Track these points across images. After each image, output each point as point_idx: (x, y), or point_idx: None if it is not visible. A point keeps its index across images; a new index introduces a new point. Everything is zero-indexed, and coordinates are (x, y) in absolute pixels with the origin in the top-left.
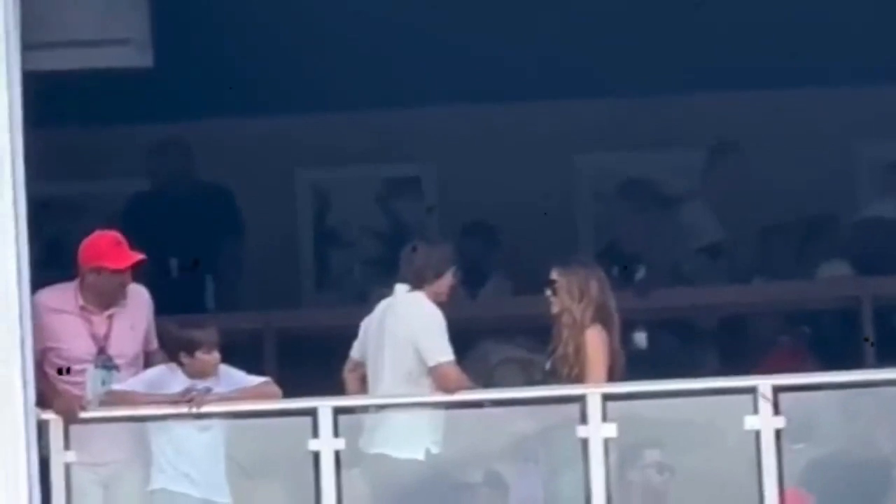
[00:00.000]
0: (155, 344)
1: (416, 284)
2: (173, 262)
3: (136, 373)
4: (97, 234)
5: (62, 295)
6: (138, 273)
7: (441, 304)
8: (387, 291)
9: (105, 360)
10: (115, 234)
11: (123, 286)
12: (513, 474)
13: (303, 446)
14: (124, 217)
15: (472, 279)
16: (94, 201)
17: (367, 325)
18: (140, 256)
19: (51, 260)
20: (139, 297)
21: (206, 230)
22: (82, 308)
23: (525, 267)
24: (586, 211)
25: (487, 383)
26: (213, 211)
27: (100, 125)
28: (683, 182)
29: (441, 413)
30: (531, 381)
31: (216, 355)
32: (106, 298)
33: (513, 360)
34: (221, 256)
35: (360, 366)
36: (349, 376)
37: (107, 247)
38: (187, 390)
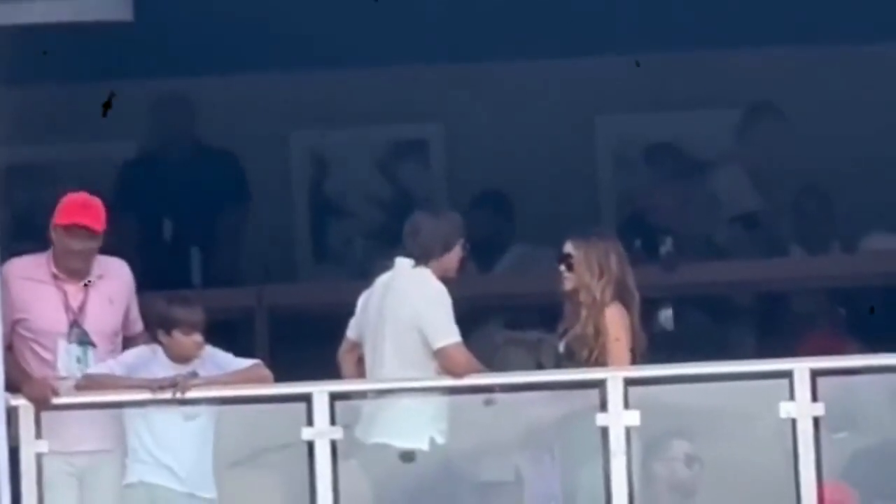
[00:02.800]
0: (139, 327)
1: (422, 259)
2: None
3: (114, 352)
4: (73, 193)
5: (34, 263)
6: (126, 244)
7: (448, 281)
8: (389, 265)
9: (80, 335)
10: (84, 197)
11: (77, 253)
12: (526, 466)
13: (296, 435)
14: (117, 182)
15: (484, 253)
16: (70, 166)
17: (365, 301)
18: (89, 223)
19: (23, 230)
20: (119, 271)
21: (206, 197)
22: (55, 276)
23: (539, 240)
24: (608, 178)
25: (491, 365)
26: (215, 176)
27: (76, 84)
28: (714, 146)
29: (447, 399)
30: (540, 365)
31: (197, 338)
32: (69, 264)
33: (520, 341)
34: (221, 227)
35: (358, 347)
36: (345, 357)
37: (66, 205)
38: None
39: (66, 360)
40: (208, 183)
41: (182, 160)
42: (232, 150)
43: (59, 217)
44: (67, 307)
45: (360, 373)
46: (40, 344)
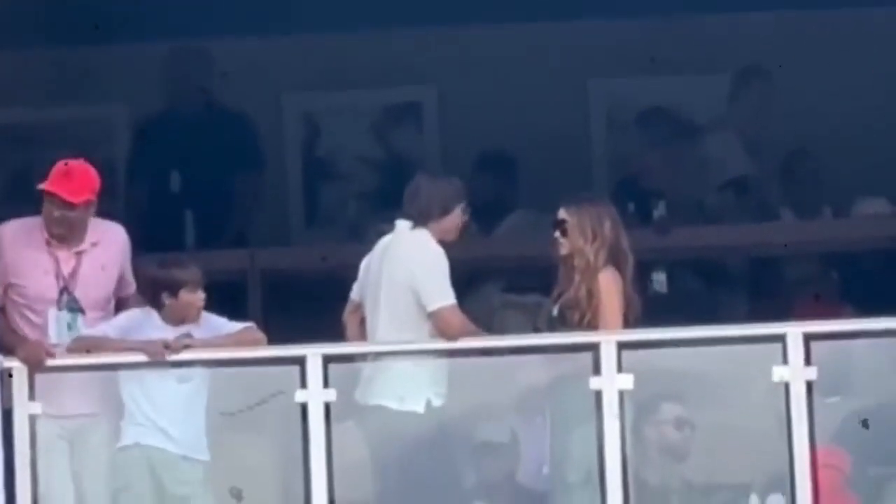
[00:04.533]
0: (132, 288)
1: (421, 221)
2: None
3: (106, 318)
4: (64, 161)
5: (27, 228)
6: (119, 208)
7: (447, 244)
8: (386, 228)
9: (70, 302)
10: (71, 166)
11: (58, 220)
12: (520, 429)
13: (289, 397)
14: (116, 143)
15: (484, 216)
16: (62, 128)
17: (367, 264)
18: (65, 195)
19: (16, 193)
20: (114, 236)
21: (218, 160)
22: (48, 242)
23: (530, 203)
24: (600, 142)
25: (488, 329)
26: (228, 139)
27: (67, 46)
28: (706, 110)
29: (444, 362)
30: (535, 328)
31: (201, 294)
32: (51, 229)
33: (516, 304)
34: (210, 193)
35: (361, 308)
36: (349, 319)
37: (53, 171)
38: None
39: (56, 328)
40: (218, 145)
41: (191, 120)
42: (246, 113)
43: (43, 182)
44: (58, 274)
45: (364, 334)
46: (31, 310)
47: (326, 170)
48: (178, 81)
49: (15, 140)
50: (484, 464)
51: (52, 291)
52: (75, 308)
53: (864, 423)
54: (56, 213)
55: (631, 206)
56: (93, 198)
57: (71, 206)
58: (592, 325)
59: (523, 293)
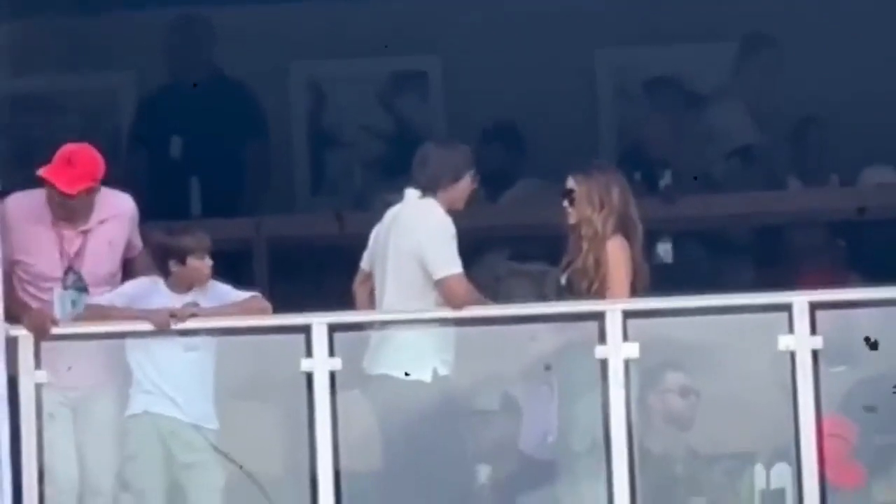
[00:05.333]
0: (137, 250)
1: (429, 189)
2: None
3: (113, 289)
4: (66, 146)
5: (33, 203)
6: (122, 176)
7: (456, 212)
8: (392, 197)
9: (74, 281)
10: (71, 153)
11: (58, 205)
12: (525, 397)
13: (295, 366)
14: (136, 111)
15: (491, 185)
16: (70, 96)
17: (377, 233)
18: (60, 185)
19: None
20: (121, 209)
21: (224, 128)
22: (53, 221)
23: (537, 172)
24: (607, 111)
25: (495, 297)
26: (231, 108)
27: (74, 14)
28: (713, 79)
29: (451, 331)
30: (542, 297)
31: (209, 261)
32: (52, 211)
33: (522, 272)
34: (216, 161)
35: (371, 278)
36: (359, 289)
37: (57, 161)
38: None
39: (60, 306)
40: (220, 112)
41: (185, 90)
42: (239, 82)
43: (55, 180)
44: (63, 252)
45: (373, 304)
46: (37, 287)
47: (332, 138)
48: (182, 49)
49: (22, 109)
50: (478, 432)
51: (57, 270)
52: (80, 287)
53: (870, 409)
54: (57, 199)
55: (637, 176)
56: (93, 184)
57: (69, 195)
58: (600, 294)
59: (528, 261)
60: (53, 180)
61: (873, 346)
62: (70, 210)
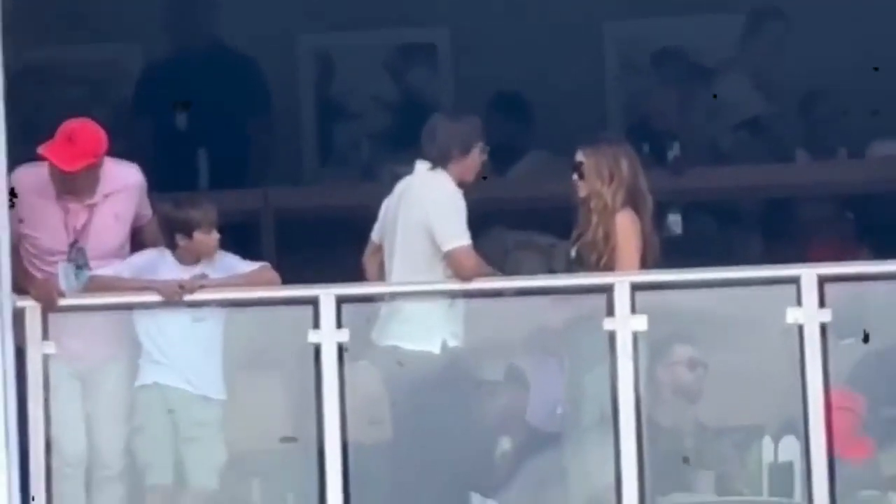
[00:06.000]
0: (147, 217)
1: (439, 161)
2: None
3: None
4: (67, 122)
5: (40, 176)
6: (129, 147)
7: (466, 185)
8: (401, 169)
9: (78, 257)
10: (71, 129)
11: (73, 188)
12: (533, 369)
13: (303, 338)
14: (127, 85)
15: (498, 158)
16: (78, 68)
17: (387, 205)
18: (57, 162)
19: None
20: (127, 181)
21: (219, 104)
22: (59, 195)
23: (543, 144)
24: (615, 83)
25: (504, 270)
26: (238, 79)
27: None
28: (721, 51)
29: (460, 303)
30: (551, 269)
31: (216, 235)
32: (63, 190)
33: (531, 245)
34: (223, 133)
35: (381, 250)
36: (369, 261)
37: (58, 138)
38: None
39: (64, 279)
40: (219, 85)
41: (193, 61)
42: (246, 54)
43: (57, 159)
44: (68, 226)
45: (384, 275)
46: (42, 261)
47: (340, 109)
48: (188, 20)
49: (29, 80)
50: (486, 404)
51: (63, 244)
52: (82, 264)
53: (866, 337)
54: (59, 176)
55: (645, 148)
56: (95, 161)
57: (70, 173)
58: (609, 267)
59: (536, 234)
60: (54, 158)
61: (866, 339)
62: (73, 186)
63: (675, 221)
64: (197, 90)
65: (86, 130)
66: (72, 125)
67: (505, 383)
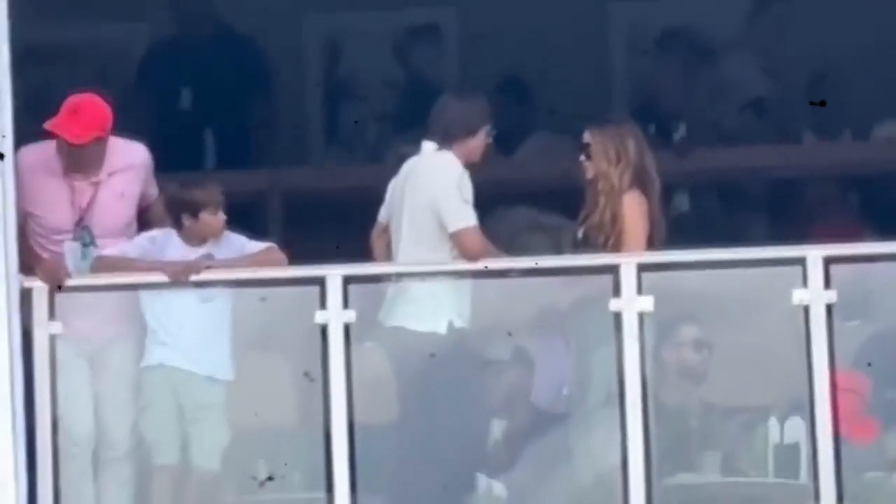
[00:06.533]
0: (154, 196)
1: (445, 142)
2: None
3: (127, 239)
4: (74, 97)
5: (45, 155)
6: (136, 127)
7: (472, 166)
8: (407, 150)
9: (84, 235)
10: (76, 103)
11: (81, 161)
12: (539, 350)
13: (310, 318)
14: (133, 65)
15: (504, 139)
16: (84, 47)
17: (394, 186)
18: (67, 136)
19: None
20: (133, 159)
21: (226, 84)
22: (65, 172)
23: (548, 125)
24: (621, 64)
25: (511, 250)
26: (236, 63)
27: None
28: (726, 31)
29: (466, 283)
30: (560, 250)
31: (222, 216)
32: (63, 162)
33: (540, 226)
34: (230, 114)
35: (388, 230)
36: (377, 242)
37: (63, 112)
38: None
39: (71, 258)
40: (226, 66)
41: (201, 41)
42: (253, 35)
43: (64, 132)
44: (75, 204)
45: (391, 256)
46: (49, 240)
47: (347, 90)
48: (195, 0)
49: (35, 59)
50: (490, 382)
51: (69, 223)
52: (87, 242)
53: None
54: (66, 150)
55: (651, 129)
56: (102, 134)
57: (78, 146)
58: (616, 248)
59: (545, 215)
60: (61, 132)
61: None
62: (80, 160)
63: (682, 199)
64: (204, 70)
65: (91, 103)
66: (77, 99)
67: (511, 363)
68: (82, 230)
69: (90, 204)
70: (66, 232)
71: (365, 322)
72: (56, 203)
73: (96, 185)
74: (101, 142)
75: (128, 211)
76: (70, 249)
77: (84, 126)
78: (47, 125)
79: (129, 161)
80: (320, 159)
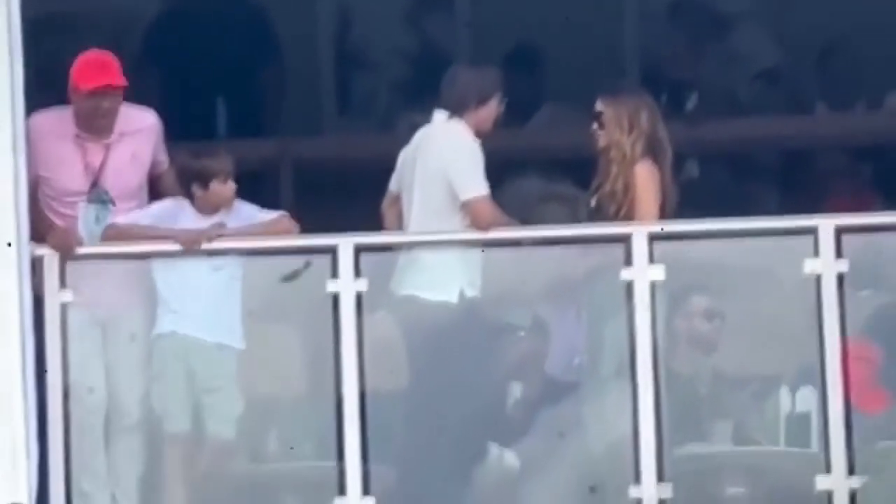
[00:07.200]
0: (165, 165)
1: (457, 111)
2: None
3: (139, 205)
4: (86, 52)
5: (57, 119)
6: (147, 96)
7: (483, 135)
8: (420, 119)
9: (99, 195)
10: (100, 54)
11: (100, 113)
12: (552, 319)
13: (321, 287)
14: (144, 34)
15: (516, 108)
16: (94, 18)
17: (405, 155)
18: (108, 81)
19: (47, 82)
20: (143, 122)
21: (235, 52)
22: (76, 135)
23: (560, 95)
24: (633, 34)
25: (527, 221)
26: (247, 31)
27: None
28: (738, 1)
29: (477, 252)
30: (575, 220)
31: (232, 185)
32: (90, 124)
33: (556, 196)
34: (242, 82)
35: (399, 199)
36: (388, 211)
37: (84, 66)
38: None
39: (84, 220)
40: (238, 34)
41: (212, 9)
42: (264, 3)
43: (84, 81)
44: (87, 166)
45: (402, 225)
46: (62, 203)
47: (359, 59)
48: None
49: (45, 29)
50: (504, 353)
51: (81, 184)
52: (105, 200)
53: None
54: (107, 104)
55: (663, 99)
56: (123, 84)
57: (120, 88)
58: (629, 218)
59: (560, 185)
60: (105, 81)
61: None
62: (99, 113)
63: (692, 166)
64: (215, 39)
65: (105, 56)
66: (89, 54)
67: (524, 330)
68: (98, 191)
69: (102, 166)
70: (79, 194)
71: (376, 291)
72: (69, 165)
73: (107, 147)
74: (119, 93)
75: (139, 173)
76: (84, 211)
77: (118, 71)
78: (90, 85)
79: (139, 125)
80: (332, 128)
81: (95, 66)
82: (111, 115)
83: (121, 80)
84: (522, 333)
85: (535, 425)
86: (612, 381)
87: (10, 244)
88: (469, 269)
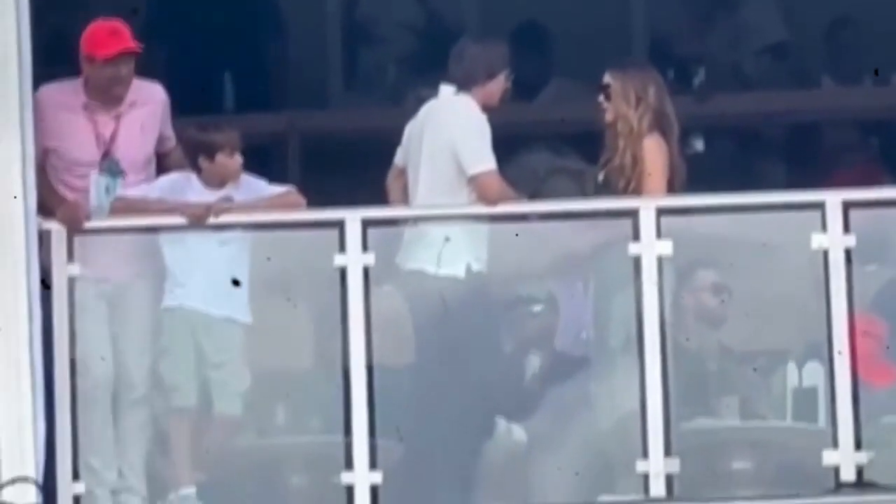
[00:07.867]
0: (171, 142)
1: (465, 85)
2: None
3: (147, 179)
4: (97, 21)
5: (66, 90)
6: (155, 70)
7: (490, 110)
8: (427, 93)
9: (110, 165)
10: (111, 22)
11: (118, 80)
12: (560, 294)
13: (329, 261)
14: (152, 8)
15: (523, 84)
16: None
17: (411, 129)
18: (127, 46)
19: (56, 54)
20: (152, 96)
21: (245, 26)
22: (86, 106)
23: (568, 70)
24: (640, 9)
25: (536, 195)
26: (255, 4)
27: None
28: None
29: (484, 227)
30: (583, 194)
31: (238, 159)
32: (104, 93)
33: (564, 170)
34: (249, 56)
35: (404, 173)
36: (393, 185)
37: (99, 34)
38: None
39: (96, 191)
40: (245, 8)
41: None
42: None
43: (100, 49)
44: (98, 137)
45: (407, 199)
46: (72, 173)
47: (366, 33)
48: None
49: (52, 4)
50: (522, 320)
51: (91, 155)
52: (116, 170)
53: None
54: (124, 71)
55: (670, 74)
56: (135, 48)
57: (136, 54)
58: (637, 192)
59: (569, 159)
60: (123, 48)
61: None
62: (116, 80)
63: (697, 141)
64: (223, 13)
65: (116, 23)
66: (100, 23)
67: (527, 297)
68: (110, 161)
69: (114, 136)
70: (90, 164)
71: (383, 265)
72: (79, 135)
73: (118, 117)
74: (132, 60)
75: (147, 144)
76: (95, 181)
77: (131, 36)
78: (109, 52)
79: (147, 97)
80: (339, 102)
81: (109, 33)
82: (128, 81)
83: (136, 46)
84: (538, 308)
85: (542, 400)
86: (619, 355)
87: (15, 196)
88: (476, 243)
